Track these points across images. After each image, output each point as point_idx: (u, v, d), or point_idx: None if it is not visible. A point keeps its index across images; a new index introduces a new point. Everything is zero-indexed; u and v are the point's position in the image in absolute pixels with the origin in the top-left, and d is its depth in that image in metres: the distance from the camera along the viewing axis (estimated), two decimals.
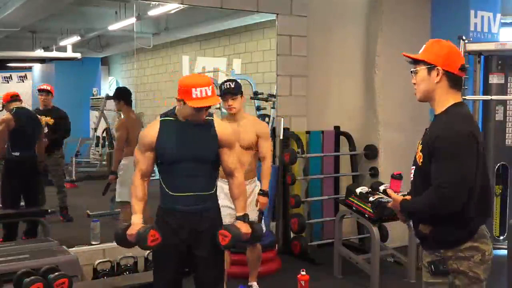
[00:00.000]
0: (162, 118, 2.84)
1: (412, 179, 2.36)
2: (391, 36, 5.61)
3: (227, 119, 3.88)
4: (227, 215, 3.32)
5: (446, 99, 2.26)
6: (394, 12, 5.61)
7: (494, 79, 5.44)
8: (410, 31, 5.72)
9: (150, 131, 2.83)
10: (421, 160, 2.24)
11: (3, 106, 5.24)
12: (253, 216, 3.76)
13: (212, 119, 2.89)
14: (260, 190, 3.91)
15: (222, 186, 3.02)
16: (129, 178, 3.15)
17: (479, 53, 5.08)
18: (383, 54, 5.59)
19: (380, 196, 4.52)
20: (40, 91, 5.97)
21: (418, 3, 5.77)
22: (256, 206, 3.89)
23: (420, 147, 2.28)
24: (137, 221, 2.78)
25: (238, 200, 2.95)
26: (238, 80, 4.05)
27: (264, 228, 3.09)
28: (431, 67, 2.25)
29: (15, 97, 5.19)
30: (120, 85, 10.45)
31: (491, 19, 5.67)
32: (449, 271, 2.21)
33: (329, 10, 5.82)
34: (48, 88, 6.01)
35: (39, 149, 5.33)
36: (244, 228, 2.85)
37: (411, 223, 2.53)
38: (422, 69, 2.28)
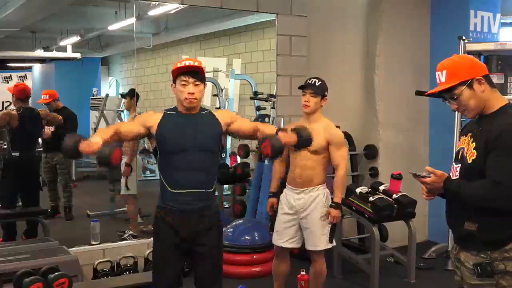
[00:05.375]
0: (166, 112, 2.88)
1: (456, 177, 2.29)
2: (391, 36, 5.61)
3: (301, 119, 3.82)
4: None
5: (494, 102, 2.28)
6: (394, 12, 5.61)
7: (494, 79, 5.36)
8: (410, 31, 5.73)
9: (153, 116, 2.86)
10: (472, 158, 2.20)
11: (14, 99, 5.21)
12: (316, 226, 3.69)
13: (210, 110, 2.93)
14: (332, 202, 3.74)
15: None
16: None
17: (479, 53, 5.06)
18: (383, 54, 5.59)
19: (380, 196, 4.54)
20: (46, 104, 5.96)
21: (418, 3, 5.78)
22: (328, 218, 3.72)
23: (472, 144, 2.22)
24: (97, 140, 2.58)
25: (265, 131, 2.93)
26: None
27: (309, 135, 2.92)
28: (470, 82, 2.24)
29: (26, 97, 5.19)
30: (120, 85, 10.51)
31: (491, 19, 5.66)
32: (496, 272, 2.17)
33: (329, 10, 5.83)
34: (47, 97, 5.98)
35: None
36: (283, 136, 2.79)
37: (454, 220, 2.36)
38: (463, 89, 2.24)
